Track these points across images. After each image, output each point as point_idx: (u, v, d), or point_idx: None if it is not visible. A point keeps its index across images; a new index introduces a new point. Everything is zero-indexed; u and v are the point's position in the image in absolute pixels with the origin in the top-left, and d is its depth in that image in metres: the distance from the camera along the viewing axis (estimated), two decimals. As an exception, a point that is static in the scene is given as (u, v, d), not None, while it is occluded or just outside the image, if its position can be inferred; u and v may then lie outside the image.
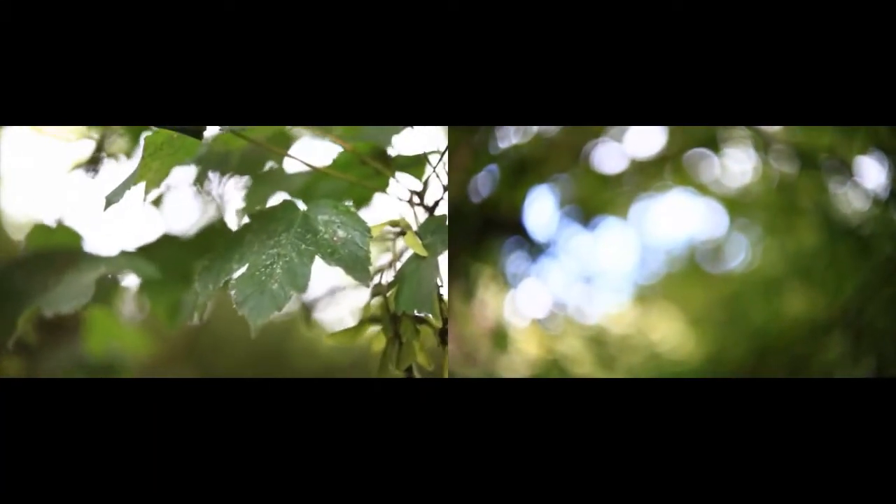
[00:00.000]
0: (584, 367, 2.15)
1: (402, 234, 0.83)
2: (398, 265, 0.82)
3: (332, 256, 0.75)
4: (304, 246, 0.76)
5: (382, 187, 0.89)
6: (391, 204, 0.89)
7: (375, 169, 0.87)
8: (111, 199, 0.79)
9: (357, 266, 0.75)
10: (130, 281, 1.07)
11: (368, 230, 0.77)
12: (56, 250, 1.05)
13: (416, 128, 0.90)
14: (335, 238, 0.76)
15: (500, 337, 2.13)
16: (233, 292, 0.74)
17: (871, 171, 1.84)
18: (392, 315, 0.81)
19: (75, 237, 1.12)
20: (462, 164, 1.99)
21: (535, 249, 2.16)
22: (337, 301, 1.44)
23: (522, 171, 2.08)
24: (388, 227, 0.83)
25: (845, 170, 1.87)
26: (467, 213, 2.03)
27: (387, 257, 0.86)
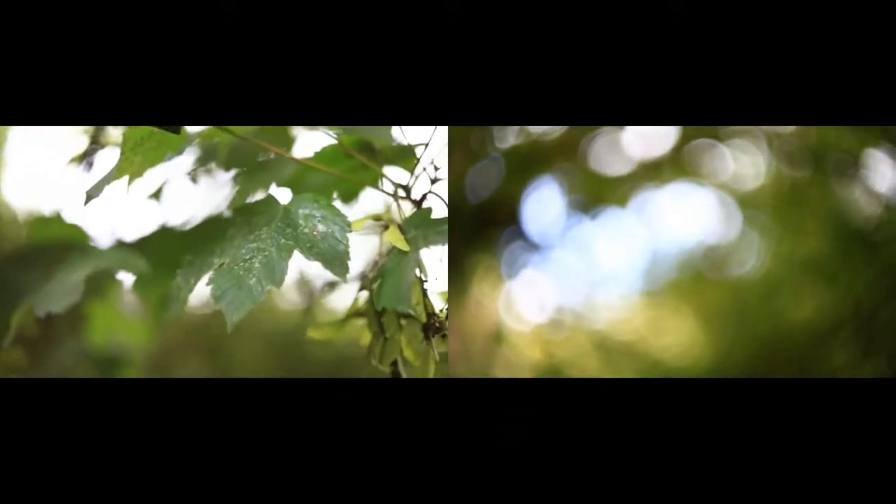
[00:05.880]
0: (587, 373, 2.13)
1: (387, 228, 0.83)
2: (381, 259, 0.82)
3: (311, 251, 0.75)
4: (283, 240, 0.76)
5: (370, 180, 0.89)
6: (378, 197, 0.89)
7: (362, 162, 0.87)
8: (91, 195, 0.80)
9: (336, 261, 0.75)
10: (125, 275, 1.07)
11: (349, 224, 0.77)
12: (54, 244, 1.06)
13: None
14: (315, 232, 0.76)
15: (498, 334, 2.12)
16: (210, 287, 0.74)
17: (883, 172, 1.82)
18: (376, 310, 0.81)
19: (75, 230, 1.12)
20: (461, 157, 1.99)
21: (536, 245, 2.16)
22: (339, 293, 1.44)
23: (523, 164, 2.07)
24: (372, 222, 0.83)
25: (857, 171, 1.85)
26: (466, 208, 2.03)
27: (375, 251, 0.86)
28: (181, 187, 1.17)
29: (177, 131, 0.76)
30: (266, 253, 0.76)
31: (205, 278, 0.77)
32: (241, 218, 0.80)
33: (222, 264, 0.76)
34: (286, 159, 0.92)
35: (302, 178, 0.92)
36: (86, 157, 1.08)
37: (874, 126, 1.71)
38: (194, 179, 1.13)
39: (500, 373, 2.09)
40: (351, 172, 0.89)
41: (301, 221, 0.77)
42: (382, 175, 0.87)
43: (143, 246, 1.05)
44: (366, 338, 0.85)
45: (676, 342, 2.22)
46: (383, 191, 0.87)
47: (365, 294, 0.84)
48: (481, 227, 2.11)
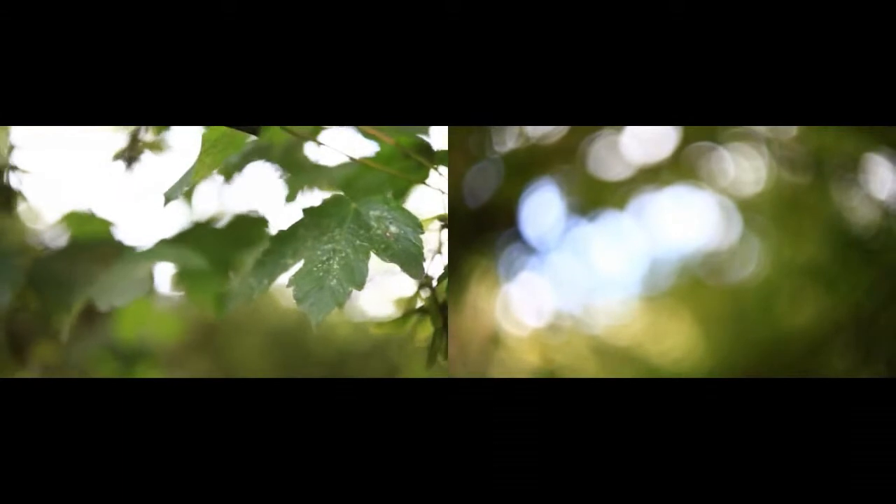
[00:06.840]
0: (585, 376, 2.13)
1: (446, 227, 0.84)
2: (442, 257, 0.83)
3: (386, 252, 0.76)
4: (358, 242, 0.77)
5: (422, 180, 0.90)
6: (429, 196, 0.90)
7: (418, 162, 0.88)
8: (170, 196, 0.80)
9: (411, 262, 0.75)
10: (167, 270, 1.08)
11: (420, 226, 0.78)
12: (96, 240, 1.06)
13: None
14: (388, 234, 0.76)
15: (495, 338, 2.12)
16: (292, 289, 0.75)
17: (882, 178, 1.84)
18: (440, 305, 0.83)
19: (107, 226, 1.13)
20: (459, 159, 1.99)
21: (534, 249, 2.16)
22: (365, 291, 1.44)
23: (522, 167, 2.08)
24: (435, 221, 0.84)
25: (856, 177, 1.87)
26: (464, 211, 2.03)
27: (431, 249, 0.87)
28: (209, 185, 1.18)
29: (256, 132, 0.77)
30: (343, 255, 0.76)
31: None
32: (310, 219, 0.80)
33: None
34: (339, 158, 0.93)
35: (355, 177, 0.93)
36: (130, 154, 1.08)
37: (874, 127, 1.73)
38: (228, 178, 1.13)
39: (498, 377, 2.08)
40: (405, 172, 0.90)
41: (373, 223, 0.77)
42: (440, 174, 0.88)
43: (183, 242, 1.05)
44: (424, 332, 0.86)
45: (675, 347, 2.22)
46: (440, 190, 0.88)
47: (425, 291, 0.85)
48: (479, 230, 2.11)
